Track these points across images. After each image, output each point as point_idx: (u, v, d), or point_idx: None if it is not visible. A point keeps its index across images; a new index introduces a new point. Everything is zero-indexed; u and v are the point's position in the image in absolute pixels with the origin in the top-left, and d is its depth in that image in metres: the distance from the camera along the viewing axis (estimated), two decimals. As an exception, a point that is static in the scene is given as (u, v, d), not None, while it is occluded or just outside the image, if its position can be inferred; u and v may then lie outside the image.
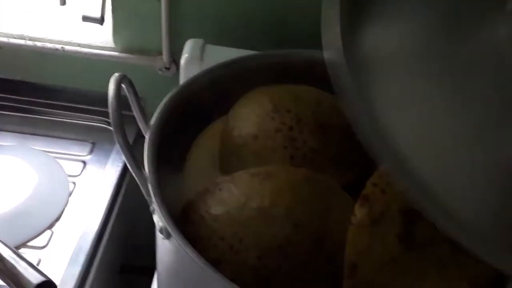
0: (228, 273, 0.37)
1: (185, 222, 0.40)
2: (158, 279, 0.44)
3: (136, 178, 0.37)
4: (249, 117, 0.45)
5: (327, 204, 0.39)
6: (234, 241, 0.37)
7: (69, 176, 0.62)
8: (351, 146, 0.45)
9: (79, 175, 0.63)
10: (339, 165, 0.43)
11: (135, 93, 0.40)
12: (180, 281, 0.40)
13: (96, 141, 0.67)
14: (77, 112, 0.69)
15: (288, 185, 0.39)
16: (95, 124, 0.68)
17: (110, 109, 0.36)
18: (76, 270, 0.53)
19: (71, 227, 0.57)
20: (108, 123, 0.70)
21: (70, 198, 0.60)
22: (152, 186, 0.37)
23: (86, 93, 0.69)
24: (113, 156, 0.65)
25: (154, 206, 0.36)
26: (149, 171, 0.38)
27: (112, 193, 0.61)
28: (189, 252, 0.34)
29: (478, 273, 0.37)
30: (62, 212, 0.58)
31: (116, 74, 0.38)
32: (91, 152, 0.66)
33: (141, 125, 0.41)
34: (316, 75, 0.52)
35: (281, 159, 0.43)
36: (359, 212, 0.37)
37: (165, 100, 0.44)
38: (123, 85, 0.39)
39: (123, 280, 0.74)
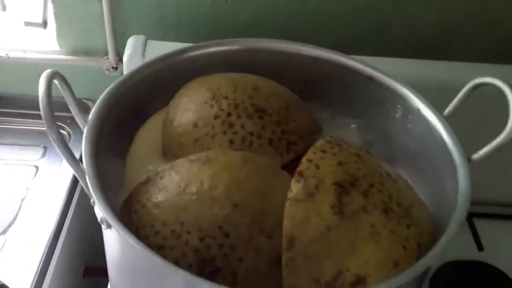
0: (172, 257, 0.38)
1: (128, 212, 0.41)
2: (109, 275, 0.45)
3: (74, 172, 0.38)
4: (188, 106, 0.46)
5: (266, 183, 0.41)
6: (176, 225, 0.38)
7: (22, 181, 0.62)
8: (289, 128, 0.46)
9: (31, 179, 0.63)
10: (278, 147, 0.45)
11: (69, 88, 0.40)
12: (127, 271, 0.41)
13: (47, 145, 0.67)
14: (27, 118, 0.69)
15: (226, 167, 0.40)
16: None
17: (41, 105, 0.36)
18: (31, 275, 0.53)
19: (25, 232, 0.57)
20: (60, 127, 0.70)
21: (23, 203, 0.60)
22: (89, 178, 0.37)
23: (35, 98, 0.69)
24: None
25: (93, 197, 0.37)
26: (86, 164, 0.38)
27: (67, 194, 0.61)
28: (129, 239, 0.34)
29: (409, 236, 0.38)
30: (15, 217, 0.58)
31: (47, 71, 0.38)
32: (43, 156, 0.66)
33: (78, 120, 0.41)
34: (256, 63, 0.54)
35: (220, 144, 0.44)
36: (295, 187, 0.39)
37: (103, 94, 0.44)
38: (55, 82, 0.39)
39: (87, 282, 0.74)
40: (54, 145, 0.36)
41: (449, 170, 0.43)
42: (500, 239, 0.64)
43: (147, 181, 0.41)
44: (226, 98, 0.46)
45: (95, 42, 0.67)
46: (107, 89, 0.45)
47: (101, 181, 0.39)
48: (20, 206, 0.59)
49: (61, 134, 0.37)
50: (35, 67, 0.68)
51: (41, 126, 0.68)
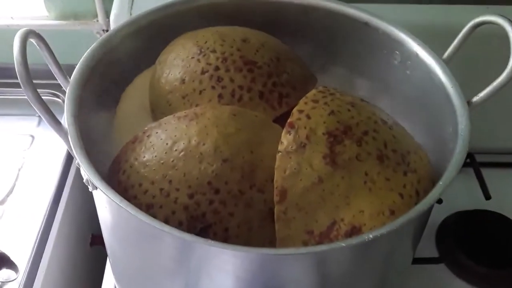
0: (161, 216, 0.37)
1: (116, 173, 0.40)
2: (104, 239, 0.44)
3: (56, 133, 0.37)
4: (175, 63, 0.45)
5: (256, 137, 0.39)
6: (164, 184, 0.37)
7: (18, 151, 0.61)
8: (281, 80, 0.45)
9: (28, 149, 0.62)
10: (269, 100, 0.43)
11: (48, 47, 0.39)
12: (118, 234, 0.40)
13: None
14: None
15: (214, 122, 0.39)
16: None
17: (16, 64, 0.35)
18: (31, 244, 0.52)
19: (23, 202, 0.56)
20: (55, 95, 0.69)
21: (20, 173, 0.59)
22: (72, 138, 0.36)
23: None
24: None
25: (76, 158, 0.36)
26: (68, 123, 0.37)
27: (63, 163, 0.60)
28: (114, 199, 0.33)
29: (406, 182, 0.37)
30: (12, 187, 0.58)
31: (22, 30, 0.37)
32: (38, 125, 0.65)
33: (59, 80, 0.40)
34: (246, 15, 0.51)
35: (209, 100, 0.42)
36: (285, 139, 0.37)
37: (85, 54, 0.43)
38: (32, 41, 0.38)
39: (95, 251, 0.74)
40: (32, 104, 0.35)
41: (448, 115, 0.41)
42: (507, 188, 0.62)
43: (134, 140, 0.40)
44: (214, 51, 0.44)
45: (83, 5, 0.65)
46: (90, 48, 0.43)
47: (87, 145, 0.38)
48: (17, 176, 0.59)
49: (38, 93, 0.35)
50: (25, 34, 0.67)
51: (35, 95, 0.67)
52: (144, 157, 0.39)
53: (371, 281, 0.39)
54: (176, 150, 0.38)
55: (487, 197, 0.59)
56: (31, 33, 0.37)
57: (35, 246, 0.52)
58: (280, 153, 0.37)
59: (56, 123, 0.36)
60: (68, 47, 0.67)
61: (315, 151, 0.37)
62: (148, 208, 0.37)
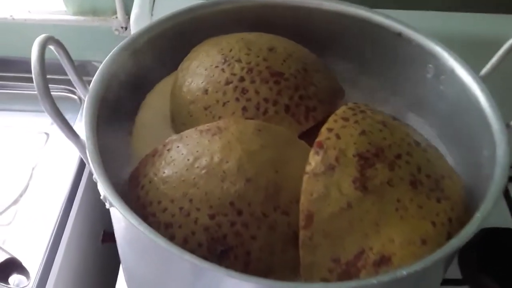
0: (180, 236, 0.35)
1: (134, 187, 0.38)
2: (119, 252, 0.43)
3: (74, 145, 0.35)
4: (198, 71, 0.43)
5: (282, 155, 0.37)
6: (184, 202, 0.35)
7: (32, 149, 0.60)
8: (308, 92, 0.43)
9: (42, 147, 0.61)
10: (295, 114, 0.41)
11: (67, 55, 0.37)
12: (134, 250, 0.38)
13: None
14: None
15: (239, 137, 0.37)
16: (56, 93, 0.65)
17: (33, 73, 0.33)
18: (44, 244, 0.51)
19: (37, 202, 0.55)
20: (70, 91, 0.68)
21: (33, 172, 0.58)
22: (90, 153, 0.34)
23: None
24: (77, 124, 0.62)
25: (94, 174, 0.34)
26: (87, 137, 0.35)
27: (79, 162, 0.59)
28: (131, 220, 0.32)
29: (440, 210, 0.35)
30: (26, 187, 0.56)
31: (41, 36, 0.35)
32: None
33: (79, 88, 0.38)
34: (272, 20, 0.49)
35: (233, 112, 0.40)
36: (313, 160, 0.35)
37: (106, 60, 0.41)
38: (51, 47, 0.36)
39: (107, 248, 0.73)
40: (49, 116, 0.33)
41: (485, 137, 0.39)
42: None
43: (154, 154, 0.39)
44: (239, 61, 0.42)
45: (103, 1, 0.63)
46: (110, 54, 0.41)
47: (104, 155, 0.36)
48: (31, 175, 0.57)
49: (55, 105, 0.34)
50: (41, 28, 0.65)
51: (51, 90, 0.66)
52: (164, 172, 0.37)
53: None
54: (197, 167, 0.36)
55: (515, 215, 0.56)
56: (50, 39, 0.35)
57: (48, 250, 0.51)
58: (308, 175, 0.35)
59: (74, 135, 0.34)
60: (86, 43, 0.66)
61: (345, 174, 0.35)
62: (166, 227, 0.35)
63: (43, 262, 0.50)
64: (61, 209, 0.55)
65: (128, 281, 0.46)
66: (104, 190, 0.33)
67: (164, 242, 0.31)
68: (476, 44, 0.46)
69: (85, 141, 0.35)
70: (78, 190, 0.58)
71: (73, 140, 0.35)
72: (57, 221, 0.54)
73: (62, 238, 0.54)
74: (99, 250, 0.69)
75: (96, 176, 0.33)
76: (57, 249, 0.53)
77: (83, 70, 0.66)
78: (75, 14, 0.64)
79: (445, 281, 0.52)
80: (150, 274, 0.38)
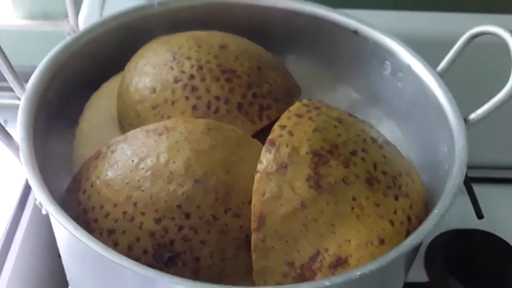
0: (124, 242, 0.33)
1: (76, 191, 0.35)
2: (62, 260, 0.40)
3: (6, 148, 0.33)
4: (145, 70, 0.41)
5: (232, 155, 0.35)
6: (128, 206, 0.33)
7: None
8: (262, 91, 0.41)
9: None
10: (248, 113, 0.39)
11: (1, 52, 0.34)
12: (76, 258, 0.36)
13: (7, 119, 0.61)
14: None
15: (187, 137, 0.35)
16: (5, 101, 0.62)
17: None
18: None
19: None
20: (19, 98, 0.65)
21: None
22: (23, 155, 0.32)
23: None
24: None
25: (28, 177, 0.31)
26: (21, 138, 0.33)
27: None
28: (68, 227, 0.29)
29: (397, 208, 0.33)
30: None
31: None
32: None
33: (15, 88, 0.36)
34: (225, 19, 0.48)
35: (182, 112, 0.38)
36: (265, 158, 0.34)
37: (44, 59, 0.39)
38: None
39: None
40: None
41: (443, 133, 0.38)
42: (501, 205, 0.59)
43: (97, 156, 0.36)
44: (189, 58, 0.40)
45: (53, 4, 0.61)
46: (49, 53, 0.39)
47: (44, 159, 0.34)
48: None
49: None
50: (-10, 34, 0.62)
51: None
52: (107, 175, 0.35)
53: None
54: (142, 168, 0.34)
55: (480, 216, 0.56)
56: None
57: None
58: (259, 174, 0.33)
59: (6, 137, 0.32)
60: (36, 48, 0.63)
61: (298, 172, 0.33)
62: (109, 234, 0.33)
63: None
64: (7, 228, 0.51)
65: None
66: (37, 194, 0.30)
67: (103, 248, 0.29)
68: (432, 43, 0.45)
69: (19, 143, 0.32)
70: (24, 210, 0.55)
71: (5, 142, 0.32)
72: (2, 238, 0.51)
73: (10, 252, 0.50)
74: (55, 263, 0.65)
75: (29, 180, 0.31)
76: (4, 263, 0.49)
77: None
78: (24, 18, 0.62)
79: (412, 285, 0.50)
80: (94, 285, 0.35)
